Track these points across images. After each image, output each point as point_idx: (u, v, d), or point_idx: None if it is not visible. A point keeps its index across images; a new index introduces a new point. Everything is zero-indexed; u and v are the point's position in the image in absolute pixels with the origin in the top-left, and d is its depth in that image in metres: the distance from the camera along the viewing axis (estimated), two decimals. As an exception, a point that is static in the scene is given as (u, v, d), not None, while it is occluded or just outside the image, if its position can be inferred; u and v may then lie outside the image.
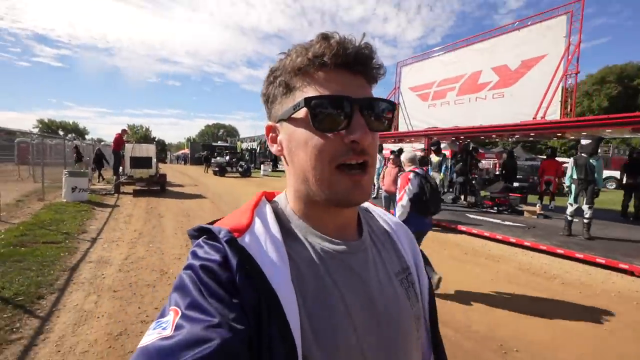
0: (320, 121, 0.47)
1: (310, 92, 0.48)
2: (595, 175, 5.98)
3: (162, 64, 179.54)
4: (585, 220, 6.00)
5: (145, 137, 58.10)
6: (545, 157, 10.64)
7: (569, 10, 8.86)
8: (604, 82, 47.84)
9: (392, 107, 0.53)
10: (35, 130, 44.83)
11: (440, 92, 12.78)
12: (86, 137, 54.30)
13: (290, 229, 0.53)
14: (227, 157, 22.84)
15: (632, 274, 4.52)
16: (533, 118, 8.39)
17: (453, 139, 11.08)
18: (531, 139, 9.18)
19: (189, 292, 0.42)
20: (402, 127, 14.12)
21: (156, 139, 59.20)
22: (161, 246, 5.15)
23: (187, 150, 48.48)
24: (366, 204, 0.69)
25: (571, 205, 6.21)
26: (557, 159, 9.91)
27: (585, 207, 6.00)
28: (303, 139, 0.49)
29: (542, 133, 8.55)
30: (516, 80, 10.14)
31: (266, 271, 0.44)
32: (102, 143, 25.62)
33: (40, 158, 10.77)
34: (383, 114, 0.51)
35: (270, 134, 0.56)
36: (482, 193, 10.08)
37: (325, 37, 0.48)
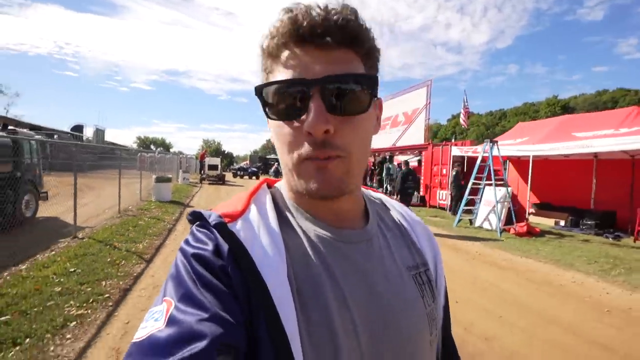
0: (274, 110, 0.43)
1: (275, 76, 0.43)
2: (391, 172, 13.77)
3: (232, 83, 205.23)
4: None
5: (217, 150, 69.54)
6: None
7: (427, 84, 16.48)
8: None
9: (365, 80, 0.43)
10: (135, 145, 59.95)
11: (382, 126, 20.47)
12: (170, 150, 64.23)
13: (286, 215, 0.49)
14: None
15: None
16: (392, 144, 16.18)
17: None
18: (403, 151, 16.70)
19: (182, 282, 0.40)
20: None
21: (225, 152, 72.66)
22: (219, 194, 14.74)
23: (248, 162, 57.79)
24: (381, 196, 0.64)
25: (389, 189, 14.04)
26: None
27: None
28: (274, 129, 0.45)
29: (407, 150, 16.17)
30: (411, 121, 17.70)
31: (257, 260, 0.41)
32: (188, 156, 34.25)
33: (164, 165, 21.41)
34: (355, 92, 0.42)
35: None
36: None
37: (284, 11, 0.42)
